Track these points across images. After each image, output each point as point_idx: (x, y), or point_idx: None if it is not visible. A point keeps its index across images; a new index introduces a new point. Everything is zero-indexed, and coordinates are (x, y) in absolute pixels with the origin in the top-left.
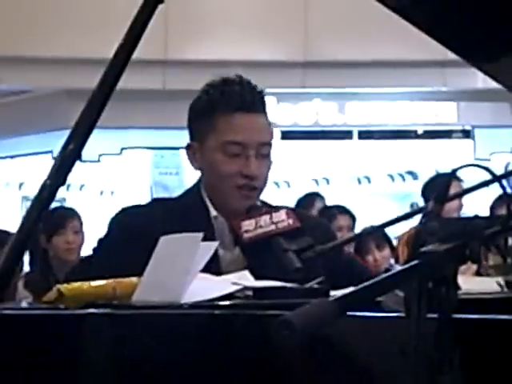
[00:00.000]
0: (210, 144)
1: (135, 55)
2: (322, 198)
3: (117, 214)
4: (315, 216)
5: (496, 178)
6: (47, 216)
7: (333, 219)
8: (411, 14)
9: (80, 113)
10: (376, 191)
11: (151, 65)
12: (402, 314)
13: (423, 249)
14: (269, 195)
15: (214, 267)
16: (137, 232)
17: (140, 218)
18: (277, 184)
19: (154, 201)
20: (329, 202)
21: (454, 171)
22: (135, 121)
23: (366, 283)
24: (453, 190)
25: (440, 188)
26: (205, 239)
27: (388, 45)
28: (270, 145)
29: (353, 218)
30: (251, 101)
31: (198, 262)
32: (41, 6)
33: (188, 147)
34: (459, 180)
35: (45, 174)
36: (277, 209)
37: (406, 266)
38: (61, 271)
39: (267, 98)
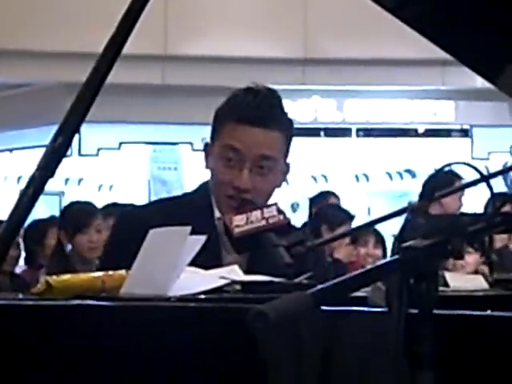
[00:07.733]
0: (215, 149)
1: (135, 50)
2: (336, 196)
3: (118, 219)
4: None
5: (484, 178)
6: (70, 212)
7: None
8: (408, 16)
9: (70, 105)
10: (374, 189)
11: (150, 60)
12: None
13: (404, 244)
14: None
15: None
16: (136, 238)
17: (139, 221)
18: None
19: (157, 202)
20: None
21: (444, 167)
22: (134, 115)
23: (344, 277)
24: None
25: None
26: (208, 240)
27: (387, 43)
28: (272, 159)
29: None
30: (259, 115)
31: (186, 255)
32: None
33: (204, 147)
34: (459, 178)
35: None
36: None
37: (386, 260)
38: (82, 267)
39: None
